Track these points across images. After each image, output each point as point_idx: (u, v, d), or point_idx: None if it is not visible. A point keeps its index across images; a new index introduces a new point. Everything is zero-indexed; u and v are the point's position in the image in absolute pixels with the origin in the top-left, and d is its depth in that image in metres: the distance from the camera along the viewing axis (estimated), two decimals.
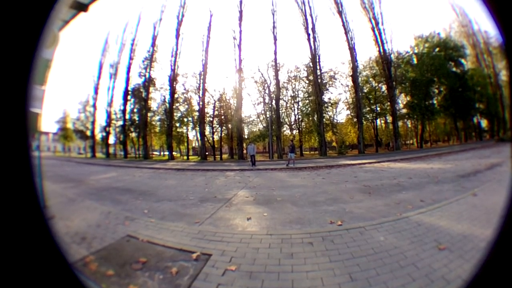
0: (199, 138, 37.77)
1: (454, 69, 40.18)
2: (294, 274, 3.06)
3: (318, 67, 35.86)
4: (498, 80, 40.61)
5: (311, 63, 36.12)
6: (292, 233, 4.40)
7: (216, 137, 39.17)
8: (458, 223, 4.45)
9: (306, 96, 37.93)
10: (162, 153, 47.20)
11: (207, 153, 37.00)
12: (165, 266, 3.28)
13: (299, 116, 39.09)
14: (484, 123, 44.01)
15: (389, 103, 36.88)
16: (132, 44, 41.00)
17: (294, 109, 39.45)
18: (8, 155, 0.84)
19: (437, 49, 39.11)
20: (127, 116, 40.13)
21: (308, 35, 35.85)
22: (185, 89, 38.23)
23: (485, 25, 43.54)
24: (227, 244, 3.97)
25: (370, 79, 39.08)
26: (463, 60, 41.42)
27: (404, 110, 39.30)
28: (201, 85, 36.77)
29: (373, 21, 37.27)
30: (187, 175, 15.42)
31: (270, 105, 36.27)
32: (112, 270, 3.13)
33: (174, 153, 39.54)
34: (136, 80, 40.21)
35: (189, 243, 4.08)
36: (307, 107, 37.60)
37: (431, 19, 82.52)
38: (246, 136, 38.39)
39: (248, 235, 4.38)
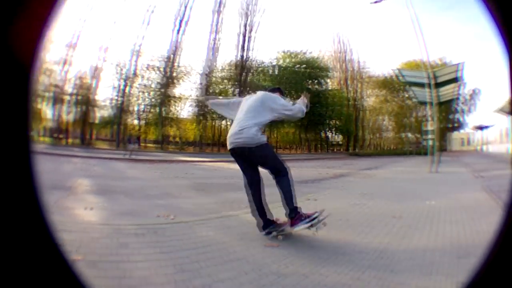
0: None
1: (316, 86, 46.46)
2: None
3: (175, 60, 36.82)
4: (358, 104, 50.85)
5: (171, 55, 36.78)
6: (127, 224, 4.41)
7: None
8: None
9: (159, 87, 37.75)
10: None
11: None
12: None
13: (148, 107, 38.49)
14: (340, 138, 52.61)
15: None
16: None
17: (146, 99, 38.61)
18: (8, 152, 0.82)
19: (303, 66, 44.19)
20: None
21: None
22: None
23: (362, 57, 53.82)
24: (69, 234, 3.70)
25: (225, 80, 41.40)
26: (328, 80, 49.23)
27: None
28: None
29: (248, 27, 40.73)
30: None
31: (122, 91, 35.03)
32: None
33: None
34: None
35: None
36: (156, 98, 37.52)
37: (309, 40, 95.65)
38: (97, 121, 35.79)
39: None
